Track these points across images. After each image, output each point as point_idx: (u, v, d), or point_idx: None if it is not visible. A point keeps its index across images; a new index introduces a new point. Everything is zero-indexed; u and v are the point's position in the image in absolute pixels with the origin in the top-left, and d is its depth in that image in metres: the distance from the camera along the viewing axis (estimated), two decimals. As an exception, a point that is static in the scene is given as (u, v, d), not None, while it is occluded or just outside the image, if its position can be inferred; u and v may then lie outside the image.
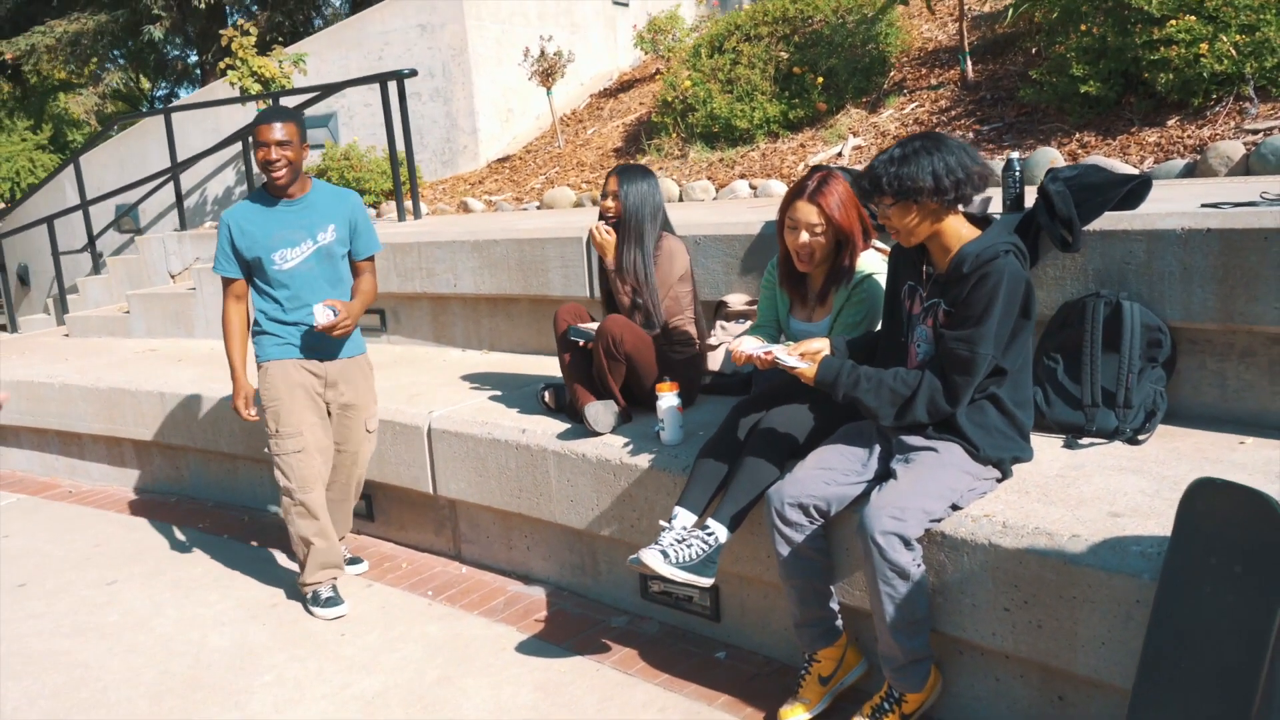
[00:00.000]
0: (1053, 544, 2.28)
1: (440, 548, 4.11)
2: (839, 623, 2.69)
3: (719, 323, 3.94)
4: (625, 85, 9.18)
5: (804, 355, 2.61)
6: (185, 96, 18.43)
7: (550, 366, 4.39)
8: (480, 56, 8.36)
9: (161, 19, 14.16)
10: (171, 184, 7.99)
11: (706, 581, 2.70)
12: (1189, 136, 4.43)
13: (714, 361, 3.82)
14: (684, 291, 3.54)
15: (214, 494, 5.08)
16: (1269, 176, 3.86)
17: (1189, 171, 4.17)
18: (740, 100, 6.65)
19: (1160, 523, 2.26)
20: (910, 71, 6.56)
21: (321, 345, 3.56)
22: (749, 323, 3.76)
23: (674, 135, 7.02)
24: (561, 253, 4.53)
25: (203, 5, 13.82)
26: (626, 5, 10.24)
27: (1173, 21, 4.55)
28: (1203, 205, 2.94)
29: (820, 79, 6.48)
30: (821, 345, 2.66)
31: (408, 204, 6.53)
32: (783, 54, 6.79)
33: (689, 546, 2.69)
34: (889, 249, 2.86)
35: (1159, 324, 2.88)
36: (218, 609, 3.72)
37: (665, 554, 2.68)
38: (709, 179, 6.22)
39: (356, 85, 6.94)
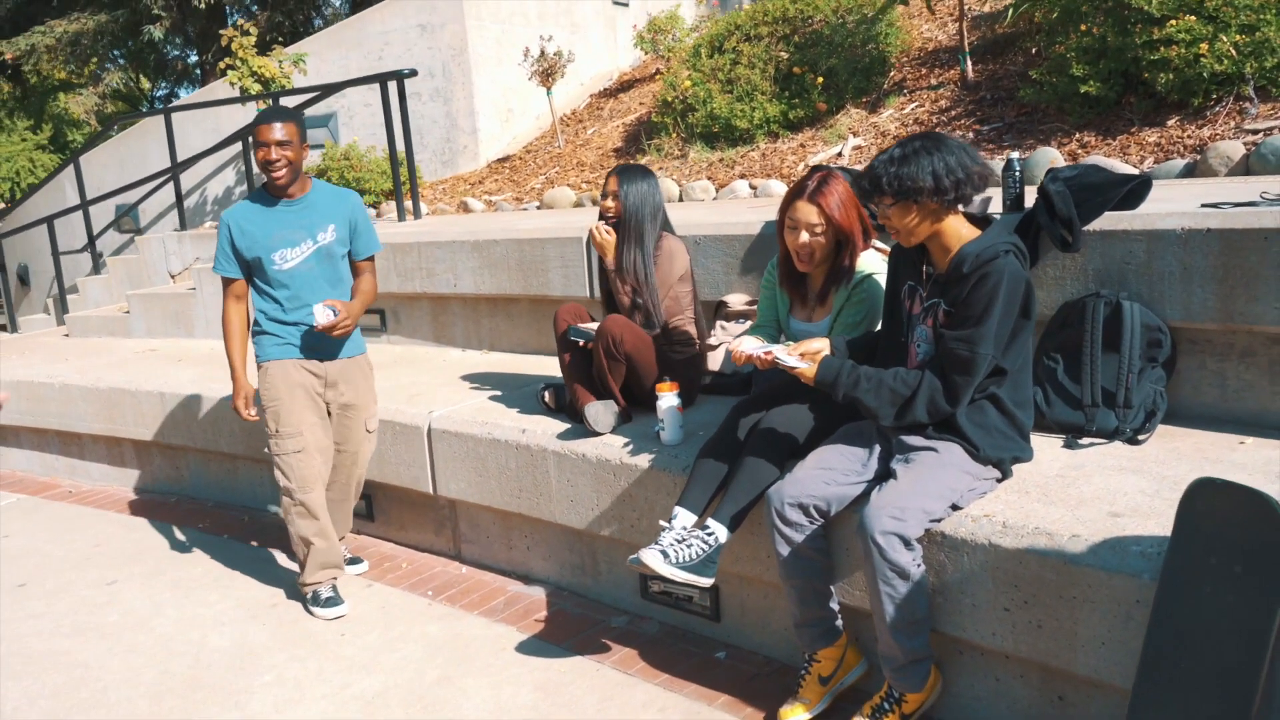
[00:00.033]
0: (1053, 544, 2.28)
1: (440, 548, 4.11)
2: (839, 623, 2.69)
3: (719, 323, 3.94)
4: (625, 85, 9.18)
5: (804, 355, 2.61)
6: (185, 96, 18.43)
7: (550, 366, 4.39)
8: (480, 56, 8.36)
9: (161, 19, 14.16)
10: (171, 184, 7.99)
11: (706, 581, 2.70)
12: (1189, 136, 4.43)
13: (714, 361, 3.82)
14: (684, 291, 3.54)
15: (214, 494, 5.08)
16: (1269, 176, 3.86)
17: (1189, 171, 4.17)
18: (740, 100, 6.65)
19: (1160, 523, 2.26)
20: (910, 71, 6.56)
21: (321, 345, 3.56)
22: (749, 323, 3.76)
23: (674, 135, 7.02)
24: (561, 253, 4.54)
25: (203, 5, 13.82)
26: (626, 5, 10.23)
27: (1173, 21, 4.55)
28: (1203, 205, 2.94)
29: (820, 79, 6.48)
30: (821, 345, 2.66)
31: (408, 204, 6.53)
32: (783, 54, 6.79)
33: (689, 546, 2.69)
34: (889, 249, 2.86)
35: (1159, 324, 2.88)
36: (218, 609, 3.72)
37: (665, 554, 2.68)
38: (709, 179, 6.22)
39: (356, 85, 6.94)
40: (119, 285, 7.79)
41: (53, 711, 3.09)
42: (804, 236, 2.99)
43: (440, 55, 8.33)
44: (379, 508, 4.29)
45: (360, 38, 8.63)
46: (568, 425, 3.55)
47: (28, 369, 5.93)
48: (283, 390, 3.51)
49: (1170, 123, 4.61)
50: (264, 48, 9.01)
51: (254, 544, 4.39)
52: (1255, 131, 4.22)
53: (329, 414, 3.64)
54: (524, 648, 3.25)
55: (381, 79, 6.36)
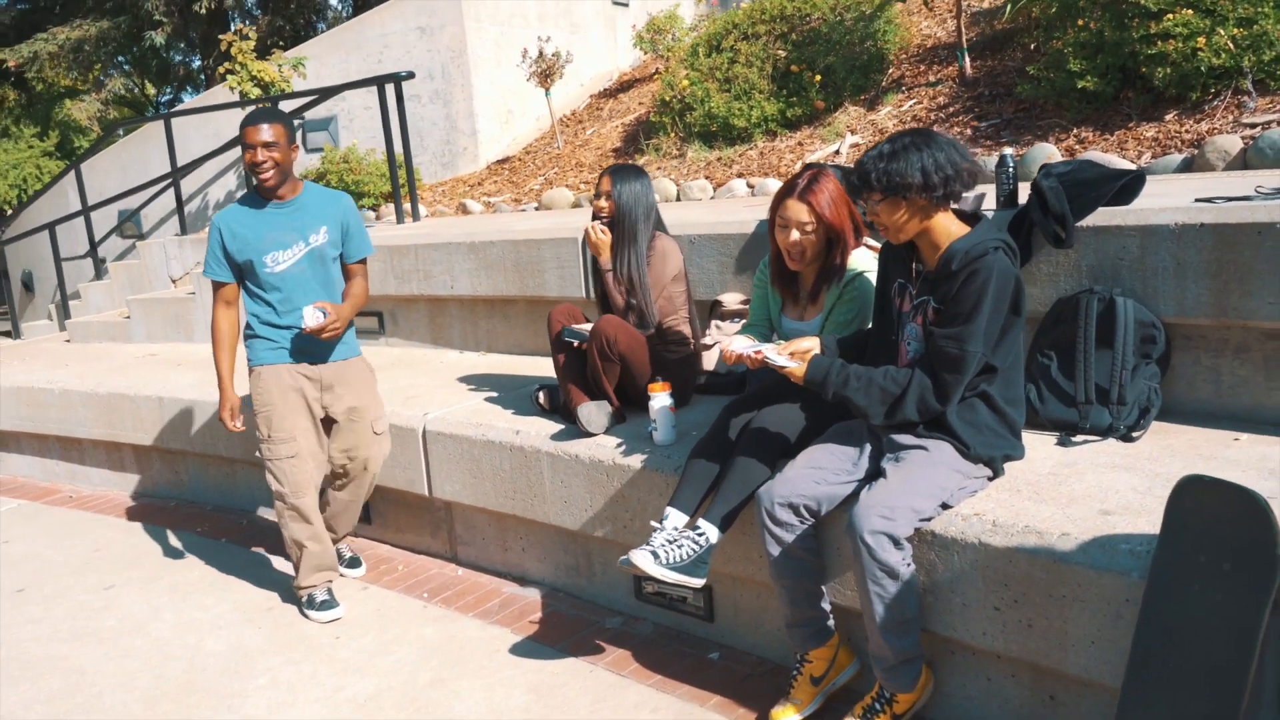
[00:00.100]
0: (1043, 542, 2.26)
1: (436, 549, 4.10)
2: (830, 623, 2.68)
3: (714, 322, 3.92)
4: (625, 85, 9.17)
5: (793, 354, 2.59)
6: (188, 101, 18.48)
7: (548, 367, 4.37)
8: (479, 58, 8.36)
9: (163, 25, 14.22)
10: (172, 189, 8.01)
11: (698, 582, 2.69)
12: (1187, 131, 4.40)
13: (709, 361, 3.81)
14: (678, 291, 3.53)
15: (213, 498, 5.08)
16: (1267, 170, 3.84)
17: (1187, 166, 4.14)
18: (738, 99, 6.63)
19: (1151, 520, 2.24)
20: (908, 68, 6.54)
21: (313, 348, 3.54)
22: (743, 322, 3.75)
23: (672, 135, 7.01)
24: (557, 253, 4.53)
25: (204, 10, 13.87)
26: (626, 5, 10.23)
27: (1170, 15, 4.53)
28: (1196, 200, 2.92)
29: (818, 77, 6.46)
30: (811, 344, 2.64)
31: (406, 206, 6.54)
32: (780, 52, 6.77)
33: (680, 547, 2.68)
34: (880, 246, 2.84)
35: (1153, 320, 2.86)
36: (214, 613, 3.72)
37: (656, 555, 2.67)
38: (707, 178, 6.21)
39: (354, 88, 6.95)
40: (120, 290, 7.81)
41: (49, 715, 3.09)
42: (794, 235, 2.97)
43: (439, 57, 8.34)
44: (375, 510, 4.29)
45: (359, 41, 8.64)
46: (562, 426, 3.54)
47: (29, 375, 5.95)
48: (275, 395, 3.50)
49: (1168, 117, 4.58)
50: (264, 52, 9.03)
51: (252, 548, 4.39)
52: (1253, 125, 4.19)
53: (334, 420, 3.63)
54: (518, 649, 3.24)
55: (379, 81, 6.37)
